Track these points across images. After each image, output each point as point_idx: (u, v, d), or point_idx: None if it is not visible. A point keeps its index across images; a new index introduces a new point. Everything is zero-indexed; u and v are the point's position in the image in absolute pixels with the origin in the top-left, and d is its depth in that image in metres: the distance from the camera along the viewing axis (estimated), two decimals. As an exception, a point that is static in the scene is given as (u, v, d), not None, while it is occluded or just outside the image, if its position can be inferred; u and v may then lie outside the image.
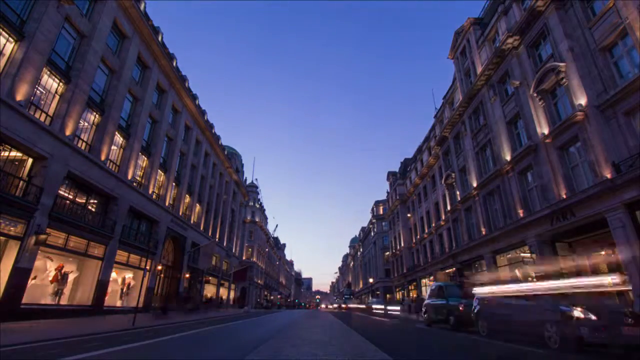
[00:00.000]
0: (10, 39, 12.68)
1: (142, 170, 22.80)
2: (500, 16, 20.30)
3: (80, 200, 16.77)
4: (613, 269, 14.17)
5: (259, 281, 63.10)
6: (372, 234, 67.17)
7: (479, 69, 22.79)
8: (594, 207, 12.62)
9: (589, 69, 13.59)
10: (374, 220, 66.39)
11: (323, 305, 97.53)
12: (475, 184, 23.31)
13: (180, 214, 27.68)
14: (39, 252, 13.38)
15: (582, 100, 13.82)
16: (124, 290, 20.10)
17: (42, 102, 14.45)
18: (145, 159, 23.08)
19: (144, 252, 18.12)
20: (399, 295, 50.36)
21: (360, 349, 6.60)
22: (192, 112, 30.50)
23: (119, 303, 19.40)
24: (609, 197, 11.97)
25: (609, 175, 12.15)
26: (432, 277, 34.13)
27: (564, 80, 14.93)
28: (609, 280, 7.07)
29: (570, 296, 7.69)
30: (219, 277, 38.34)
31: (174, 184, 27.07)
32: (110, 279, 18.11)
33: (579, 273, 15.72)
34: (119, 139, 19.93)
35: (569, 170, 15.03)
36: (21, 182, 12.93)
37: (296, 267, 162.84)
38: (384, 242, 58.80)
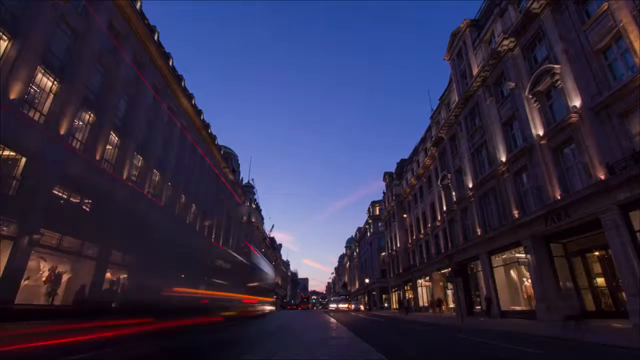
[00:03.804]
0: (4, 36, 12.52)
1: (138, 170, 22.62)
2: (496, 18, 20.44)
3: (75, 199, 16.59)
4: (606, 269, 14.39)
5: (255, 282, 62.80)
6: (369, 234, 67.24)
7: (475, 71, 22.93)
8: (588, 208, 12.75)
9: (584, 71, 13.72)
10: (370, 221, 66.46)
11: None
12: (471, 185, 23.44)
13: (176, 214, 27.48)
14: (32, 252, 13.21)
15: (576, 102, 13.96)
16: (119, 291, 19.87)
17: (36, 100, 14.28)
18: (141, 158, 22.90)
19: (139, 253, 17.94)
20: (394, 296, 50.50)
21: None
22: (188, 112, 30.33)
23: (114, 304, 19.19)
24: (602, 198, 12.10)
25: (602, 177, 12.27)
26: (427, 278, 34.29)
27: (559, 82, 15.07)
28: None
29: None
30: (215, 278, 38.13)
31: (169, 183, 26.90)
32: (105, 279, 17.92)
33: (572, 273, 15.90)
34: (114, 138, 19.75)
35: (563, 172, 15.17)
36: (15, 181, 12.77)
37: (292, 268, 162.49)
38: (380, 242, 58.90)
